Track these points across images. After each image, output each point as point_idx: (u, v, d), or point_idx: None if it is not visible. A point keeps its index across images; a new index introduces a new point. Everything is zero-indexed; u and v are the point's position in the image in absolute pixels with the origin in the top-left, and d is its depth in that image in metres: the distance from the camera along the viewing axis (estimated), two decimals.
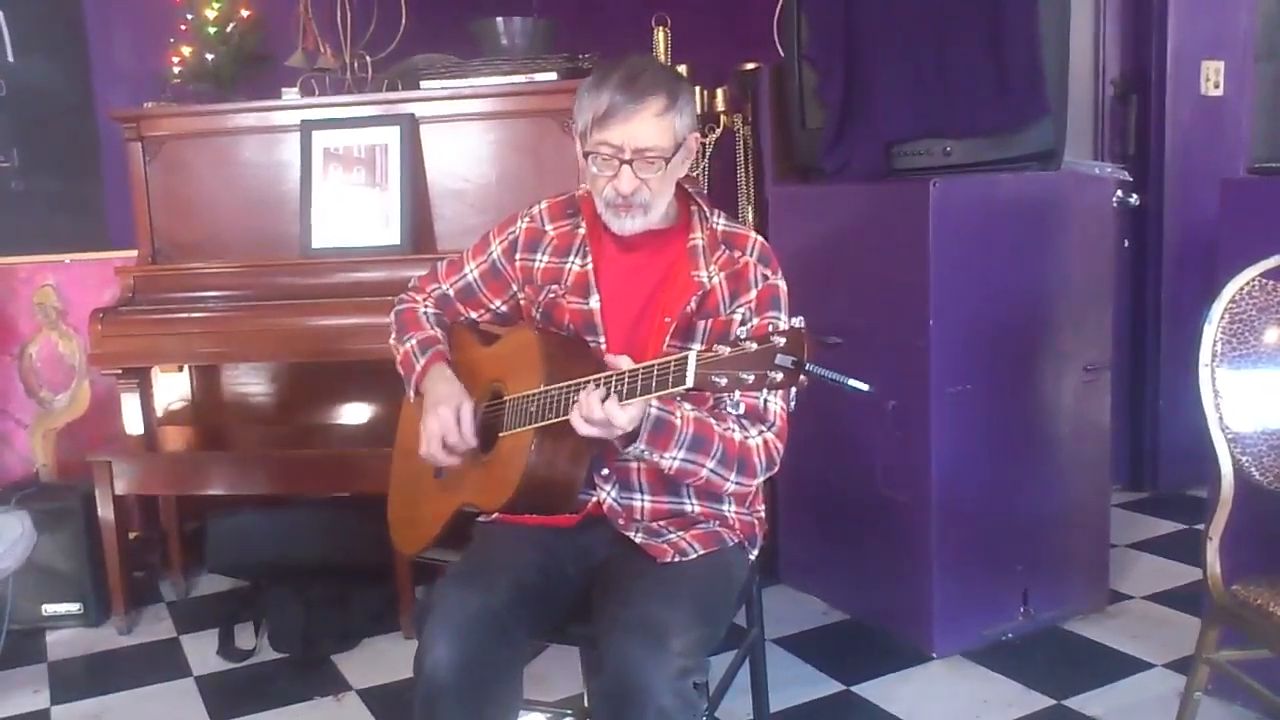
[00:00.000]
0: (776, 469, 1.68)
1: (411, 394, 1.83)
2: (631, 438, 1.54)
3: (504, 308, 1.87)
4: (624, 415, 1.47)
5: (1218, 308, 1.86)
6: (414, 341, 1.83)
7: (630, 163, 1.62)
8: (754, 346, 1.34)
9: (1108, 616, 2.85)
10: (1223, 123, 3.79)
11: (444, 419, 1.70)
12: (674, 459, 1.58)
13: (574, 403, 1.51)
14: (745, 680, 1.96)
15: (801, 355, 1.32)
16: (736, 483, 1.66)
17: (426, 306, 1.90)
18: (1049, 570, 2.78)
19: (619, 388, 1.47)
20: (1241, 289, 1.87)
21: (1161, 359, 3.82)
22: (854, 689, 2.53)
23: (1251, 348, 1.86)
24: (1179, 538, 3.42)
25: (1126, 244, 3.78)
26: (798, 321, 1.38)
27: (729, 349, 1.35)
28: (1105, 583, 2.91)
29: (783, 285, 1.75)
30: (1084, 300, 2.76)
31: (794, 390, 1.36)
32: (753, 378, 1.33)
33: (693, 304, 1.69)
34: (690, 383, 1.37)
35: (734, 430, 1.63)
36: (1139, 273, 3.84)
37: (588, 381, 1.51)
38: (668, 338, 1.68)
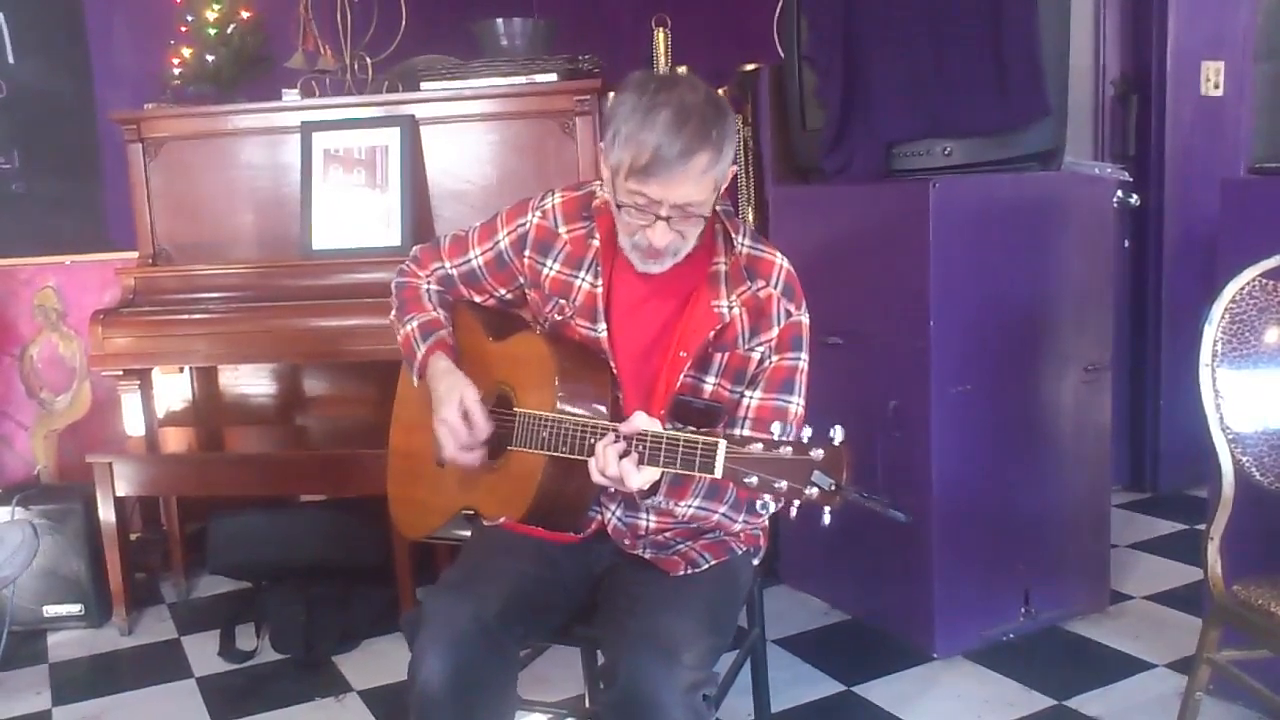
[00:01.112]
0: (781, 506, 1.66)
1: (414, 379, 1.78)
2: (651, 490, 1.50)
3: (509, 295, 1.81)
4: (639, 478, 1.43)
5: (1218, 308, 1.85)
6: (415, 324, 1.78)
7: (667, 219, 1.52)
8: (789, 452, 1.30)
9: (1108, 617, 2.85)
10: (1223, 123, 3.79)
11: (451, 423, 1.65)
12: (689, 507, 1.56)
13: (589, 444, 1.49)
14: (746, 680, 1.96)
15: (840, 478, 1.28)
16: (745, 522, 1.64)
17: (429, 284, 1.83)
18: (1050, 570, 2.78)
19: (640, 448, 1.43)
20: (1242, 289, 1.87)
21: (1162, 359, 3.82)
22: (855, 689, 2.53)
23: (1252, 348, 1.86)
24: (1180, 538, 3.42)
25: (1127, 244, 3.78)
26: (837, 434, 1.31)
27: (761, 446, 1.31)
28: (1106, 583, 2.91)
29: (806, 320, 1.68)
30: (1084, 300, 2.76)
31: (828, 508, 1.30)
32: (786, 487, 1.29)
33: (710, 336, 1.62)
34: (718, 474, 1.34)
35: None
36: (1139, 273, 3.84)
37: (607, 429, 1.48)
38: (684, 372, 1.63)
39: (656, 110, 1.48)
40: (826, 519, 1.30)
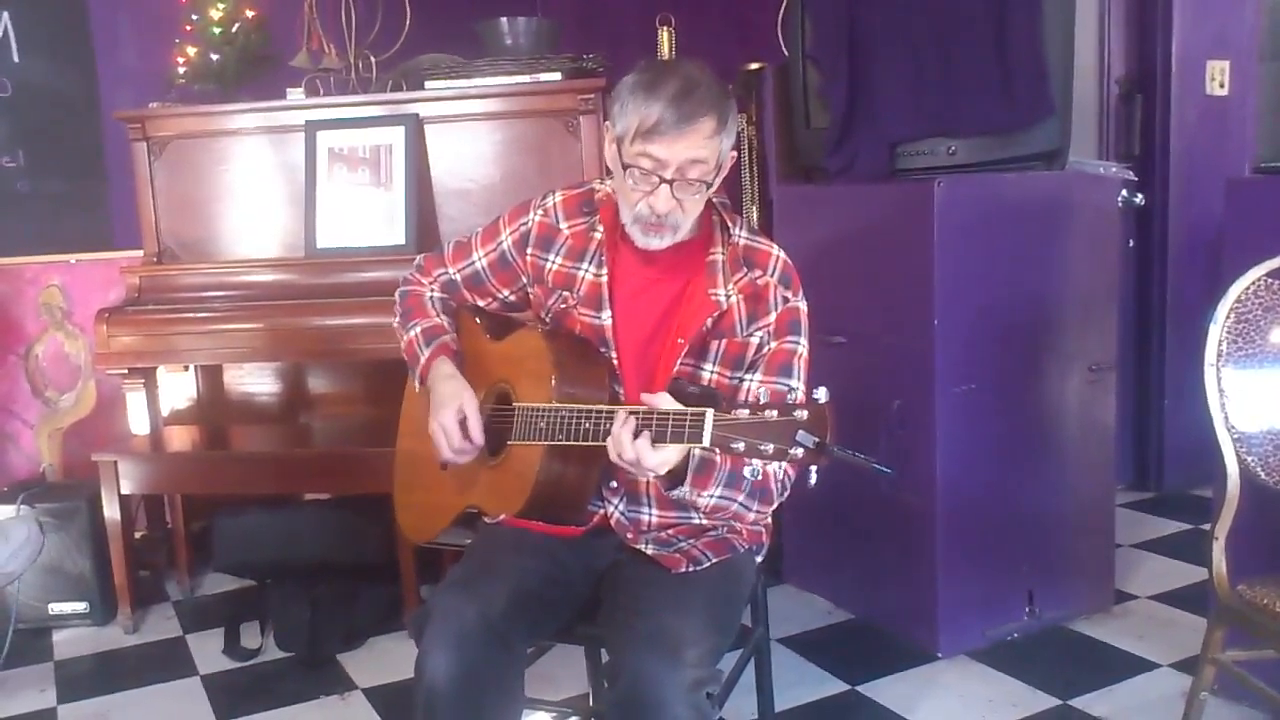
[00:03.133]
0: (787, 495, 1.65)
1: (416, 384, 1.81)
2: (677, 479, 1.50)
3: (512, 297, 1.83)
4: (655, 457, 1.42)
5: (1223, 307, 1.86)
6: (418, 330, 1.80)
7: (671, 183, 1.55)
8: (774, 415, 1.30)
9: (1113, 617, 2.85)
10: (1228, 122, 3.79)
11: (447, 426, 1.67)
12: (711, 497, 1.55)
13: (585, 429, 1.50)
14: (750, 679, 1.96)
15: (825, 435, 1.29)
16: (758, 512, 1.63)
17: (433, 291, 1.86)
18: (1054, 570, 2.78)
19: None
20: (1247, 289, 1.87)
21: (1167, 359, 3.82)
22: (859, 689, 2.53)
23: (1257, 347, 1.86)
24: (1184, 538, 3.42)
25: (1131, 244, 3.77)
26: (821, 394, 1.32)
27: (748, 413, 1.32)
28: (1110, 583, 2.91)
29: (803, 307, 1.70)
30: (1089, 300, 2.76)
31: (814, 468, 1.31)
32: (772, 449, 1.30)
33: (708, 323, 1.65)
34: (707, 442, 1.35)
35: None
36: (1144, 272, 3.84)
37: (600, 412, 1.49)
38: (680, 358, 1.65)
39: (663, 82, 1.54)
40: (813, 479, 1.32)
